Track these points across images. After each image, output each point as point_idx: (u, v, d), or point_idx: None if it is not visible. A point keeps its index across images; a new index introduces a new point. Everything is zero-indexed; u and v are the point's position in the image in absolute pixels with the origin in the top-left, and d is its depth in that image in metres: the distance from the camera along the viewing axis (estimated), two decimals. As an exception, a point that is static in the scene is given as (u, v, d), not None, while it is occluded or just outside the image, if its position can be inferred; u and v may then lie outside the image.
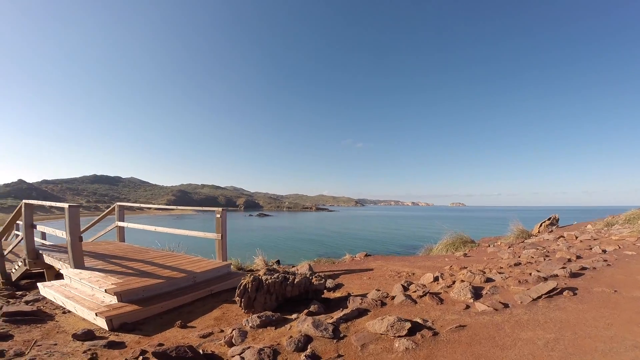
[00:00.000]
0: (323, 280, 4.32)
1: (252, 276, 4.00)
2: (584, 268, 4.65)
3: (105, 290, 4.01)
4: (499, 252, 6.91)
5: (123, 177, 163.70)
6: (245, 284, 3.91)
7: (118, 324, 3.49)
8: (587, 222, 18.90)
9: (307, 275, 4.43)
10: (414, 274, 5.38)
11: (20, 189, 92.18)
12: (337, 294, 4.89)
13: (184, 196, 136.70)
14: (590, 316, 3.03)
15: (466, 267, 5.14)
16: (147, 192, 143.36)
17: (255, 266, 9.43)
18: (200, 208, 7.48)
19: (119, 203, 9.03)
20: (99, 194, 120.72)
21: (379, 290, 4.14)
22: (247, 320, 3.37)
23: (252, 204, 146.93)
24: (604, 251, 6.02)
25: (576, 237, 8.27)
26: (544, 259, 5.48)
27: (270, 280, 3.92)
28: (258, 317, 3.37)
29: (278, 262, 18.49)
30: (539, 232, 16.44)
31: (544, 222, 17.24)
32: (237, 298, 3.97)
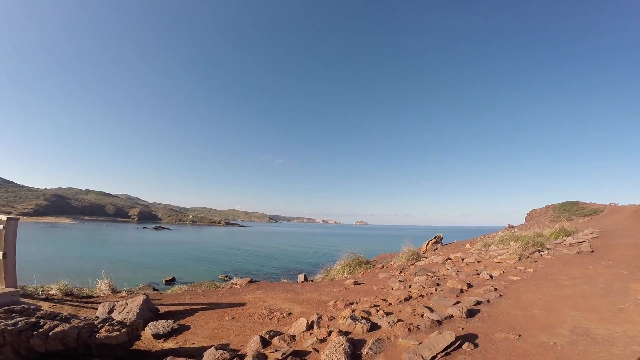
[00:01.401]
0: (123, 330, 2.74)
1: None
2: (478, 302, 4.08)
3: None
4: (389, 279, 6.21)
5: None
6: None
7: None
8: (465, 240, 21.22)
9: (95, 322, 2.77)
10: (290, 314, 4.12)
11: None
12: (168, 345, 3.31)
13: (60, 202, 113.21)
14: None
15: (352, 304, 4.14)
16: (8, 194, 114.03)
17: (97, 292, 7.03)
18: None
19: None
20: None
21: (222, 347, 2.73)
22: None
23: (149, 215, 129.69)
24: (491, 276, 5.82)
25: (462, 260, 8.33)
26: (436, 290, 4.88)
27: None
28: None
29: (174, 279, 15.88)
30: (426, 249, 17.59)
31: (431, 240, 18.64)
32: None
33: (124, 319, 4.00)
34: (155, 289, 9.16)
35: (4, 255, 4.46)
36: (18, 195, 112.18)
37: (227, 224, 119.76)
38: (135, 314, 4.00)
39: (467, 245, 16.38)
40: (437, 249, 17.36)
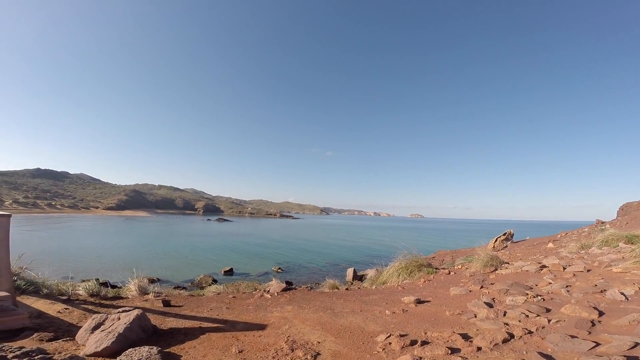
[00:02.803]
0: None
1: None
2: (635, 344, 2.37)
3: None
4: (468, 298, 4.42)
5: (71, 172, 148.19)
6: None
7: None
8: (540, 237, 17.76)
9: (9, 355, 1.77)
10: (317, 355, 2.78)
11: (-55, 180, 78.68)
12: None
13: (137, 197, 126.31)
14: None
15: (415, 343, 2.68)
16: (96, 191, 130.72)
17: (127, 293, 6.49)
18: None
19: None
20: (40, 190, 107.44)
21: None
22: None
23: (213, 208, 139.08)
24: (625, 296, 3.87)
25: (564, 268, 6.22)
26: (548, 320, 3.17)
27: None
28: None
29: (231, 270, 16.34)
30: (494, 247, 14.99)
31: (499, 237, 15.85)
32: None
33: (98, 341, 3.08)
34: (184, 288, 8.62)
35: (-6, 255, 3.85)
36: (104, 192, 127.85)
37: (282, 216, 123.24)
38: (116, 335, 3.03)
39: (550, 245, 13.47)
40: (506, 246, 14.73)
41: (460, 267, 8.56)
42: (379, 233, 53.83)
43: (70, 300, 5.54)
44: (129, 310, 4.52)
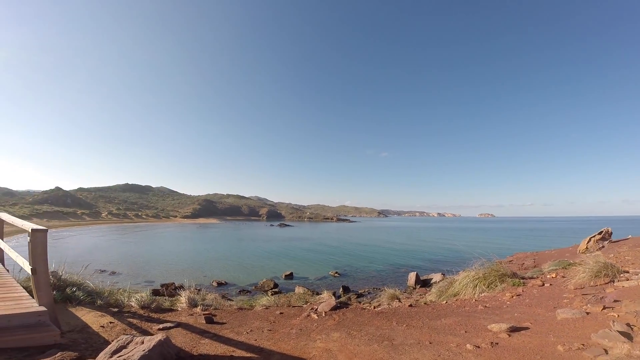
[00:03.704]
0: None
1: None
2: None
3: None
4: (588, 326, 3.06)
5: (153, 186, 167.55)
6: None
7: None
8: None
9: None
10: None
11: (57, 196, 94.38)
12: None
13: (209, 205, 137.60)
14: None
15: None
16: (174, 201, 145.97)
17: (178, 305, 6.31)
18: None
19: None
20: (129, 202, 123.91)
21: None
22: None
23: (275, 213, 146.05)
24: None
25: None
26: None
27: None
28: None
29: (292, 274, 16.54)
30: (587, 248, 12.60)
31: (594, 236, 13.28)
32: None
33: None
34: (249, 292, 8.31)
35: (33, 271, 3.75)
36: (180, 202, 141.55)
37: (338, 219, 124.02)
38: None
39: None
40: (603, 247, 12.09)
41: (554, 275, 6.91)
42: (443, 235, 50.51)
43: (121, 313, 5.48)
44: (169, 328, 4.21)
